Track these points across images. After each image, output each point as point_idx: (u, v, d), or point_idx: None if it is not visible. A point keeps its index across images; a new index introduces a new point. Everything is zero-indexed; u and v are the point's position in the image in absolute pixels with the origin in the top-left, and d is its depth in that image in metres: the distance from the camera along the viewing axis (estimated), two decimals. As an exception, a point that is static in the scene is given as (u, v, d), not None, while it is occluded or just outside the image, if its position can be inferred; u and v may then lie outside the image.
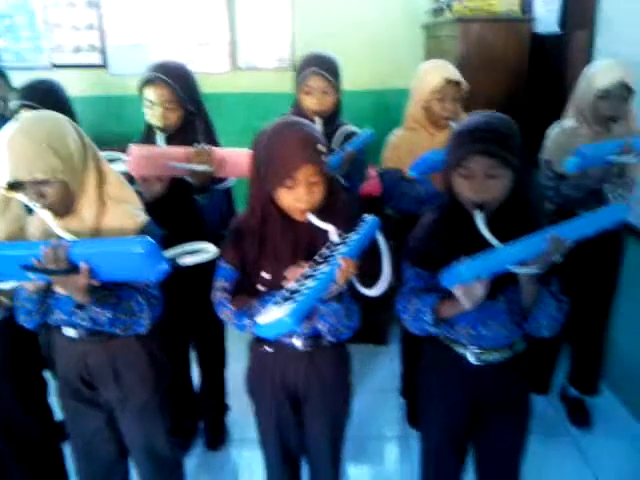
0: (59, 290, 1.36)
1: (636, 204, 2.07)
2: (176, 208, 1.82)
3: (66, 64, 3.58)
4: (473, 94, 2.92)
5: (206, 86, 1.99)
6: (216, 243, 1.38)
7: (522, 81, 3.02)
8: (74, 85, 3.25)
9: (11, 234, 1.47)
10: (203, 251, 1.29)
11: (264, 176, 1.33)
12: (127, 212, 1.38)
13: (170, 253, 1.25)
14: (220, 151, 1.82)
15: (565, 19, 2.79)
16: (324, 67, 2.01)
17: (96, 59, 3.60)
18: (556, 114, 2.25)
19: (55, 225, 1.28)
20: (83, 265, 1.21)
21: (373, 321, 2.75)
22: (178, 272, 1.34)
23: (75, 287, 1.25)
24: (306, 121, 1.37)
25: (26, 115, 1.32)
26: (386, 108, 3.54)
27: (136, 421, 1.53)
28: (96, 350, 1.46)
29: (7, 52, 3.57)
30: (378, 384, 2.70)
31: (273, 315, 1.10)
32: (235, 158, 1.80)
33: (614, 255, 2.24)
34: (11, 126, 1.27)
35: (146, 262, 1.19)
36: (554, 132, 2.15)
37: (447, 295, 1.34)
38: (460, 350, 1.46)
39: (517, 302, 1.38)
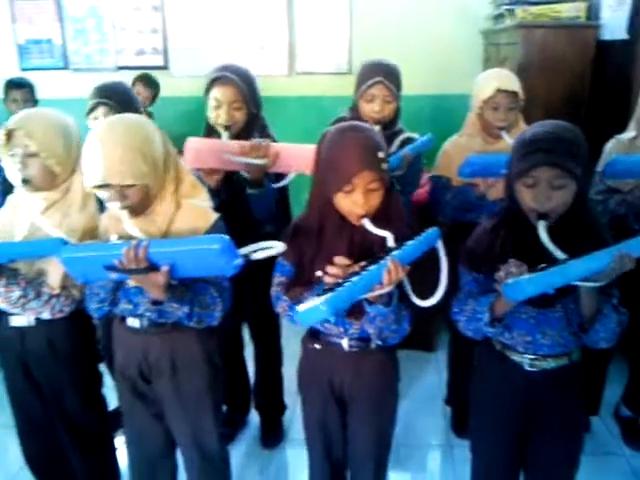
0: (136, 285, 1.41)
1: None
2: (227, 201, 1.84)
3: (129, 66, 3.72)
4: (534, 102, 2.88)
5: (265, 89, 2.03)
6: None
7: (585, 89, 2.93)
8: (137, 86, 3.40)
9: (87, 230, 1.54)
10: (271, 247, 1.31)
11: (324, 178, 1.35)
12: (199, 210, 1.43)
13: (242, 251, 1.29)
14: (276, 145, 1.83)
15: (634, 25, 2.69)
16: (388, 76, 2.00)
17: (158, 61, 3.73)
18: (620, 123, 2.17)
19: (130, 224, 1.33)
20: (164, 267, 1.26)
21: (421, 327, 2.72)
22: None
23: (154, 285, 1.30)
24: (369, 126, 1.38)
25: (114, 118, 1.38)
26: (443, 113, 3.50)
27: (186, 417, 1.55)
28: (157, 343, 1.50)
29: (77, 55, 3.76)
30: (423, 391, 2.68)
31: (310, 303, 1.14)
32: (291, 153, 1.81)
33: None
34: (102, 128, 1.32)
35: (222, 258, 1.24)
36: (610, 143, 2.07)
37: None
38: (515, 357, 1.45)
39: (575, 312, 1.36)
